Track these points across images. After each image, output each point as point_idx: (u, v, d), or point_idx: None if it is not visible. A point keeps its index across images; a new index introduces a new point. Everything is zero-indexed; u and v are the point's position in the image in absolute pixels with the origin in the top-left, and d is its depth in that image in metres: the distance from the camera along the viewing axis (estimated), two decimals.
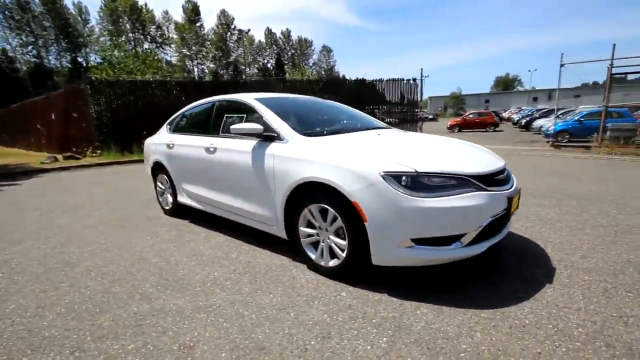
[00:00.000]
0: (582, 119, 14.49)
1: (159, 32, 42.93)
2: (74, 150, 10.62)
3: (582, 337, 1.71)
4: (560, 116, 17.98)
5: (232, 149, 2.97)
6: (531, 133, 19.32)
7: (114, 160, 10.09)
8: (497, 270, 2.45)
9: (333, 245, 2.35)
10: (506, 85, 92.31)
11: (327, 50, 69.91)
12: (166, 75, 15.93)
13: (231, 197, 3.09)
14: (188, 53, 48.08)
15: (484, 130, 23.05)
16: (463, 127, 23.93)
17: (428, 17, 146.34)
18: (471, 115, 25.04)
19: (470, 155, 2.43)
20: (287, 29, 68.64)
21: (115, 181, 6.95)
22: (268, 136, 2.71)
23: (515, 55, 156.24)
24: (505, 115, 34.50)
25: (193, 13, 50.99)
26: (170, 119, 4.24)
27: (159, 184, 4.33)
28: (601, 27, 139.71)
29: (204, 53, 50.17)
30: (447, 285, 2.25)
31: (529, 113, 25.00)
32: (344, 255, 2.27)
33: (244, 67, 59.18)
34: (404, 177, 2.02)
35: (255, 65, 60.45)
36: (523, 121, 22.09)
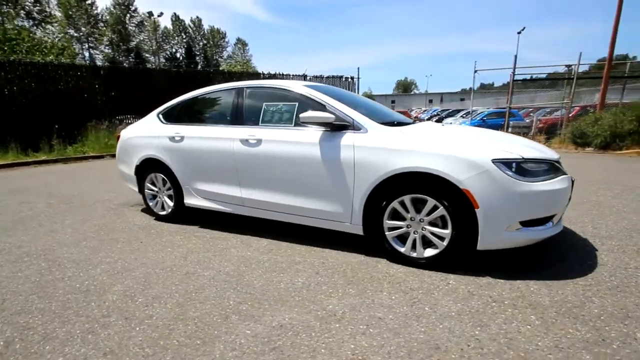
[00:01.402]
0: (484, 118, 17.19)
1: (37, 8, 34.61)
2: None
3: None
4: (464, 116, 21.12)
5: (289, 140, 2.67)
6: None
7: (15, 161, 7.96)
8: (546, 244, 2.76)
9: (429, 235, 2.33)
10: (405, 88, 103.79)
11: (242, 43, 67.26)
12: (73, 59, 13.15)
13: (283, 195, 2.77)
14: (76, 34, 40.30)
15: None
16: None
17: (336, 19, 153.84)
18: None
19: (536, 144, 2.68)
20: (197, 17, 63.80)
21: (40, 186, 5.51)
22: (339, 125, 2.52)
23: (409, 60, 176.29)
24: (413, 114, 38.68)
25: None
26: (166, 107, 3.56)
27: (149, 185, 3.61)
28: (470, 41, 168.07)
29: (96, 36, 42.86)
30: (525, 263, 2.45)
31: (436, 112, 28.60)
32: (444, 244, 2.28)
33: (148, 55, 52.82)
34: (513, 164, 2.12)
35: (162, 54, 54.54)
36: (433, 120, 25.10)
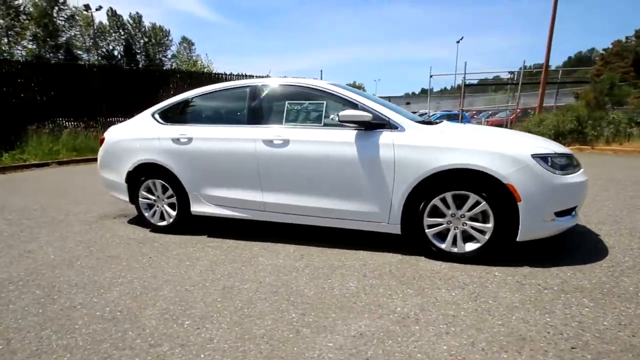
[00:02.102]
0: (437, 121, 18.36)
1: None
2: None
3: None
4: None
5: (321, 140, 2.56)
6: None
7: None
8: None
9: (469, 230, 2.39)
10: None
11: (188, 42, 63.96)
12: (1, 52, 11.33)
13: (313, 197, 2.65)
14: None
15: None
16: None
17: (282, 24, 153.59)
18: None
19: (551, 141, 2.89)
20: (137, 12, 59.36)
21: None
22: (375, 124, 2.49)
23: (355, 66, 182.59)
24: None
25: None
26: (163, 106, 3.21)
27: (144, 193, 3.23)
28: (421, 49, 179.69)
29: (18, 29, 37.56)
30: (543, 254, 2.63)
31: None
32: (486, 237, 2.35)
33: (81, 53, 47.77)
34: (549, 158, 2.27)
35: (98, 51, 49.73)
36: None
